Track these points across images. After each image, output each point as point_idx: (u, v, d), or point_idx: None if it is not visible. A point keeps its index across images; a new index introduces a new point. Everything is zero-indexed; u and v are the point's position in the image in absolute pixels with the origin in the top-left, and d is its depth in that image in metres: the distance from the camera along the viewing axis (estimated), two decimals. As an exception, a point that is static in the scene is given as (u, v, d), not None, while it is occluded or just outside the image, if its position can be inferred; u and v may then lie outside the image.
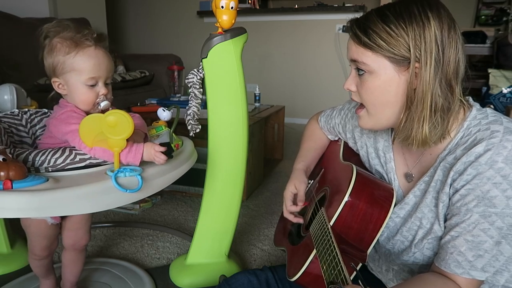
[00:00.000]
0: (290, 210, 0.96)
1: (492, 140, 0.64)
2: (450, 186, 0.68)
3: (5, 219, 1.42)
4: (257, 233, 1.74)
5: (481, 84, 3.20)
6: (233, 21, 1.10)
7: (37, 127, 1.05)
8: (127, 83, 2.88)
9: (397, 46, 0.67)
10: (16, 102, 1.11)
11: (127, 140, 0.82)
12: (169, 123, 1.10)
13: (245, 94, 1.22)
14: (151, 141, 1.00)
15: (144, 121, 1.01)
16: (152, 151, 0.85)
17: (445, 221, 0.70)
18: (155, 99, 2.52)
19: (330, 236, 0.70)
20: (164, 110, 1.10)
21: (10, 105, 1.11)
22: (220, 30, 1.14)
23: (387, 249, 0.84)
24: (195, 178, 1.66)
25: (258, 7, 4.25)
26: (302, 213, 0.97)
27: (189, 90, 1.17)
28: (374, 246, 0.77)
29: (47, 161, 0.83)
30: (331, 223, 0.76)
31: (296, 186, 0.99)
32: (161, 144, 0.85)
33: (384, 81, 0.70)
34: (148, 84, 3.18)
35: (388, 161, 0.85)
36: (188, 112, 1.18)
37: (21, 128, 1.02)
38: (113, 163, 0.84)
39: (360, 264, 0.75)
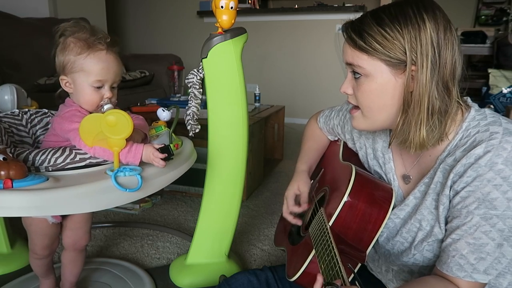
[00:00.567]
0: (292, 210, 0.96)
1: (492, 141, 0.64)
2: (450, 188, 0.68)
3: (5, 219, 1.42)
4: (257, 233, 1.74)
5: (481, 84, 3.20)
6: (233, 21, 1.10)
7: (38, 127, 1.05)
8: (127, 83, 2.88)
9: (392, 49, 0.66)
10: (16, 102, 1.12)
11: (127, 140, 0.83)
12: (168, 123, 1.10)
13: (245, 94, 1.22)
14: (150, 141, 1.00)
15: (146, 122, 1.02)
16: (151, 155, 0.85)
17: (445, 223, 0.70)
18: (155, 99, 2.52)
19: (329, 237, 0.70)
20: (163, 110, 1.10)
21: (11, 105, 1.11)
22: (220, 30, 1.14)
23: (386, 249, 0.83)
24: (195, 178, 1.66)
25: (258, 7, 4.25)
26: (301, 215, 0.98)
27: (189, 90, 1.18)
28: (373, 247, 0.77)
29: (47, 160, 0.83)
30: (330, 223, 0.76)
31: (300, 188, 0.99)
32: (161, 149, 0.86)
33: (381, 84, 0.70)
34: (148, 84, 3.18)
35: (387, 162, 0.85)
36: (188, 112, 1.18)
37: (21, 128, 1.02)
38: (113, 162, 0.84)
39: (359, 265, 0.75)
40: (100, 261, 1.44)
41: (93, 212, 1.08)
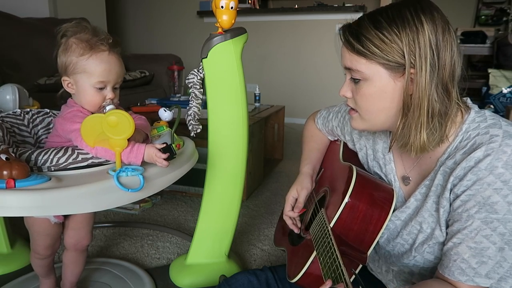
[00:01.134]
0: (288, 215, 0.96)
1: (492, 145, 0.63)
2: (451, 192, 0.67)
3: (5, 219, 1.42)
4: (257, 233, 1.74)
5: (481, 84, 3.21)
6: (233, 21, 1.10)
7: (39, 127, 1.05)
8: (127, 83, 2.88)
9: (391, 52, 0.66)
10: (18, 102, 1.12)
11: (129, 140, 0.83)
12: (170, 124, 1.11)
13: (245, 94, 1.22)
14: (152, 141, 1.00)
15: (148, 123, 1.02)
16: (154, 155, 0.85)
17: (446, 226, 0.70)
18: (155, 99, 2.52)
19: (331, 239, 0.70)
20: (165, 111, 1.10)
21: (12, 105, 1.11)
22: (220, 30, 1.14)
23: (387, 251, 0.83)
24: (195, 178, 1.66)
25: (258, 7, 4.25)
26: (300, 216, 0.98)
27: (190, 91, 1.18)
28: (374, 247, 0.77)
29: (49, 160, 0.84)
30: (331, 224, 0.76)
31: (298, 191, 0.99)
32: (163, 148, 0.86)
33: (380, 88, 0.69)
34: (148, 84, 3.18)
35: (387, 163, 0.85)
36: (189, 112, 1.18)
37: (23, 128, 1.02)
38: (115, 162, 0.84)
39: (360, 266, 0.75)
40: (100, 261, 1.44)
41: (94, 212, 1.08)
